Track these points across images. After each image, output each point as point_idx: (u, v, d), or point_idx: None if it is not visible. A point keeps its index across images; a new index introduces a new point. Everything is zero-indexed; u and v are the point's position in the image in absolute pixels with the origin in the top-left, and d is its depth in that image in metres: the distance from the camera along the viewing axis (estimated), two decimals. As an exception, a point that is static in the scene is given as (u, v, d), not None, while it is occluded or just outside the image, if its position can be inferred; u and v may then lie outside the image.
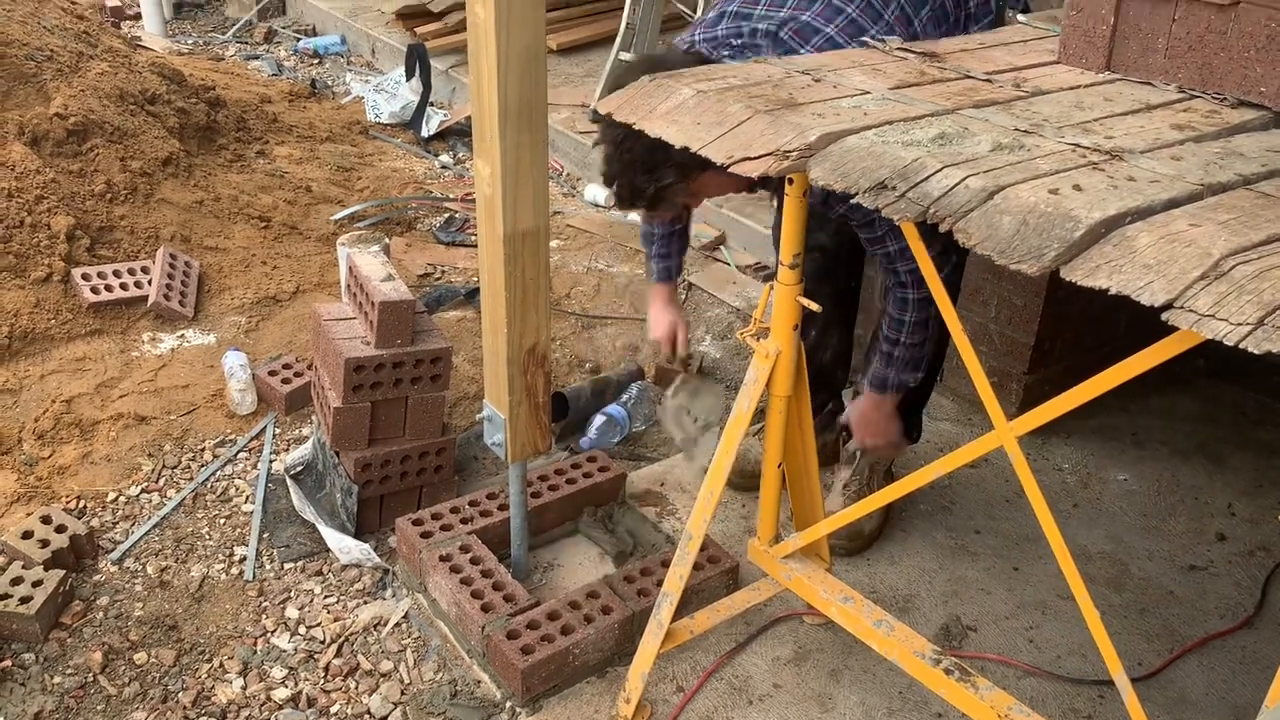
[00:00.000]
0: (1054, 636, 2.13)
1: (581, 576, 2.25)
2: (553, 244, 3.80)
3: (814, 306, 1.69)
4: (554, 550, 2.34)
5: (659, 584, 1.93)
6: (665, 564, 2.04)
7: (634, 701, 1.89)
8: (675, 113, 1.50)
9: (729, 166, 1.36)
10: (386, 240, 3.11)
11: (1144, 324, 1.08)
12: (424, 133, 4.85)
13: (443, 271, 3.64)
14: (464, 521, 2.24)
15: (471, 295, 3.38)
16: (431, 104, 5.00)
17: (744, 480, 2.47)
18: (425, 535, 2.19)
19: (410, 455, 2.40)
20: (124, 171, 3.49)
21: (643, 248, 2.42)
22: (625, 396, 2.90)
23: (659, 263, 2.37)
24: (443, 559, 2.13)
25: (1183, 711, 1.98)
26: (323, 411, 2.42)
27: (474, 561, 2.13)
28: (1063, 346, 2.77)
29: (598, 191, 4.29)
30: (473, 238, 3.85)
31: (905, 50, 1.78)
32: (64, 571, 2.18)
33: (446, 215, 4.06)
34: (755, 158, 1.35)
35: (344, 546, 2.34)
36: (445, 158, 4.71)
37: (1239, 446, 2.76)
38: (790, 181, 1.61)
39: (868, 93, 1.53)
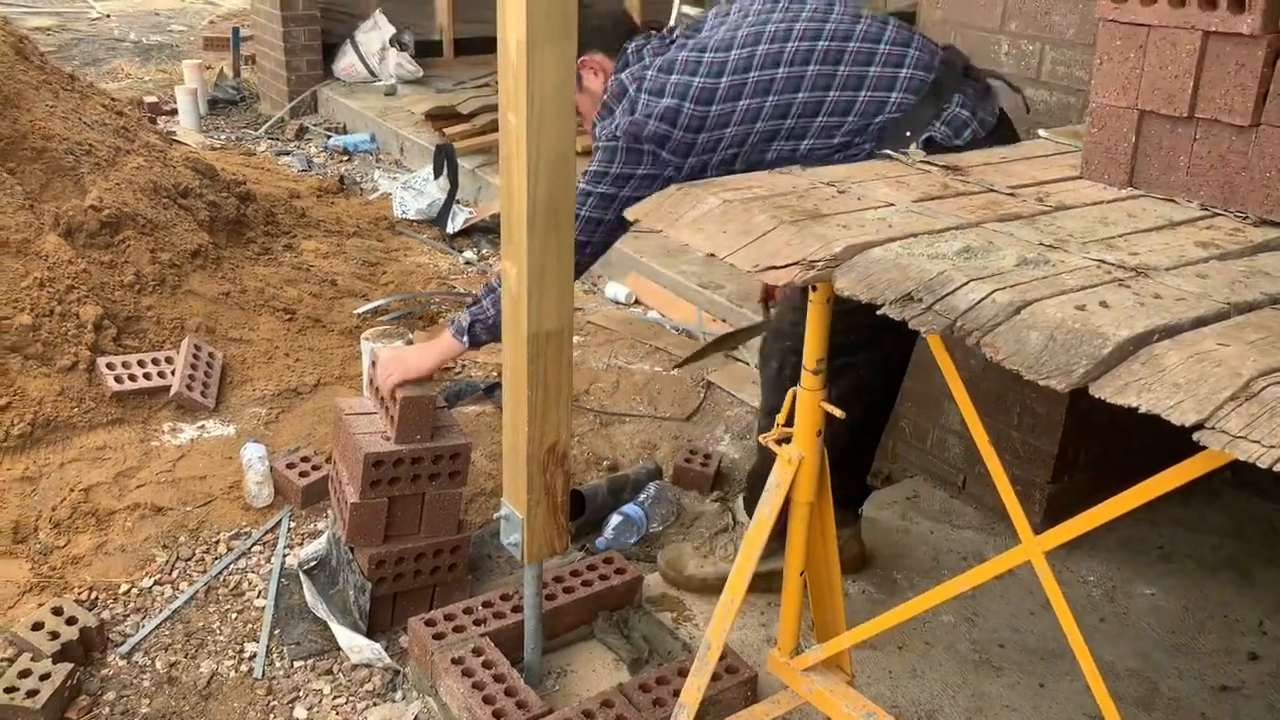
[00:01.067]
0: (1082, 758, 2.07)
1: (595, 683, 2.20)
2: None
3: (838, 413, 1.68)
4: (568, 655, 2.30)
5: (675, 694, 1.88)
6: (682, 673, 2.00)
7: (648, 817, 1.83)
8: (701, 221, 1.52)
9: (756, 274, 1.38)
10: (410, 335, 3.13)
11: (1173, 436, 1.07)
12: (450, 229, 4.94)
13: (463, 366, 3.66)
14: (477, 623, 2.21)
15: (491, 390, 3.39)
16: (458, 201, 5.09)
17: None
18: (438, 636, 2.16)
19: (425, 553, 2.38)
20: (153, 263, 3.55)
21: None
22: (643, 496, 2.87)
23: None
24: (455, 661, 2.09)
25: (1219, 842, 1.90)
26: (339, 506, 2.41)
27: (486, 665, 2.09)
28: (1088, 456, 2.74)
29: (618, 289, 4.34)
30: (494, 333, 3.88)
31: (929, 163, 1.81)
32: (72, 665, 2.16)
33: (468, 311, 4.10)
34: (781, 266, 1.37)
35: (355, 645, 2.30)
36: (469, 254, 4.78)
37: (1269, 562, 2.71)
38: (814, 289, 1.62)
39: (892, 205, 1.55)
